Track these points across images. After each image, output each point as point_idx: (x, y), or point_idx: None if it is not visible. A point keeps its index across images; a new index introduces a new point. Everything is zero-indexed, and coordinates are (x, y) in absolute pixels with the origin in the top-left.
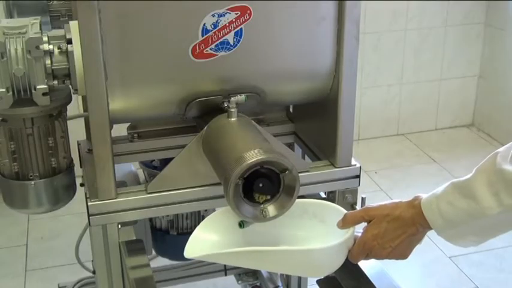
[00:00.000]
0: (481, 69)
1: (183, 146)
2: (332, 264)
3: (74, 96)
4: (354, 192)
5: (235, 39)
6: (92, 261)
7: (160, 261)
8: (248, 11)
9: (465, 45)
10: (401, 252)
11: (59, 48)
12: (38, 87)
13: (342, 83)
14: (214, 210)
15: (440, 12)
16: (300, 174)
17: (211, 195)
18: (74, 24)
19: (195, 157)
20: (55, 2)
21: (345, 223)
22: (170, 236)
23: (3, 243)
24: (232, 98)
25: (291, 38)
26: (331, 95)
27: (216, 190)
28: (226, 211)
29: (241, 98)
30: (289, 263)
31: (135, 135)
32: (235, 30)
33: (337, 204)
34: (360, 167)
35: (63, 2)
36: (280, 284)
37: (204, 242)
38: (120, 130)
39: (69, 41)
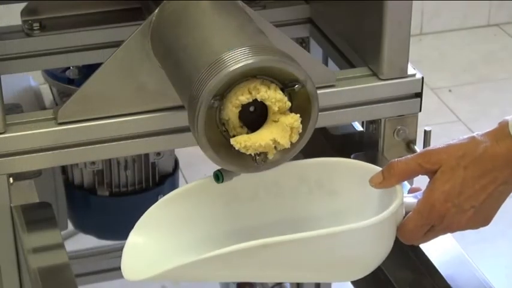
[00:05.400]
0: None
1: (118, 44)
2: (371, 255)
3: None
4: (412, 122)
5: None
6: None
7: (84, 241)
8: None
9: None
10: (485, 214)
11: None
12: None
13: None
14: (172, 155)
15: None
16: (319, 91)
17: (167, 128)
18: None
19: (138, 63)
20: None
21: (389, 177)
22: (98, 198)
23: None
24: None
25: None
26: None
27: (176, 118)
28: (178, 193)
29: None
30: (296, 261)
31: (35, 24)
32: None
33: (384, 145)
34: (423, 78)
35: None
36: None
37: (150, 249)
38: (11, 17)
39: None
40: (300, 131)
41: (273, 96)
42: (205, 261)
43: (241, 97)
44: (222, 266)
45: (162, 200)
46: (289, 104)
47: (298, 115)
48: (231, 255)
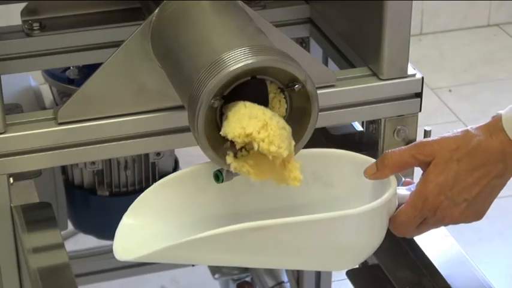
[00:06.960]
0: None
1: (118, 44)
2: (362, 244)
3: None
4: (412, 122)
5: None
6: None
7: (84, 241)
8: None
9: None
10: (478, 208)
11: None
12: None
13: None
14: (172, 155)
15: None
16: (319, 91)
17: (167, 128)
18: None
19: (138, 63)
20: None
21: (382, 168)
22: (98, 198)
23: None
24: None
25: None
26: None
27: (176, 118)
28: (173, 178)
29: None
30: (287, 246)
31: (35, 24)
32: None
33: (384, 145)
34: (423, 78)
35: None
36: (285, 279)
37: (143, 232)
38: (11, 17)
39: None
40: (301, 179)
41: (266, 149)
42: (193, 242)
43: (238, 140)
44: (211, 249)
45: (156, 184)
46: (286, 153)
47: (301, 173)
48: (220, 237)
